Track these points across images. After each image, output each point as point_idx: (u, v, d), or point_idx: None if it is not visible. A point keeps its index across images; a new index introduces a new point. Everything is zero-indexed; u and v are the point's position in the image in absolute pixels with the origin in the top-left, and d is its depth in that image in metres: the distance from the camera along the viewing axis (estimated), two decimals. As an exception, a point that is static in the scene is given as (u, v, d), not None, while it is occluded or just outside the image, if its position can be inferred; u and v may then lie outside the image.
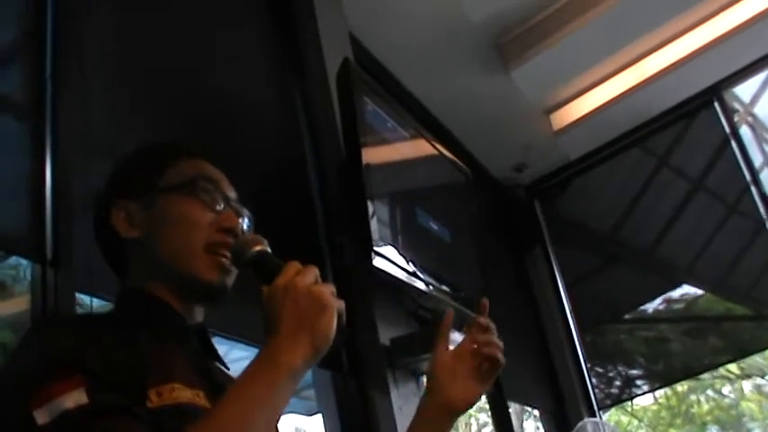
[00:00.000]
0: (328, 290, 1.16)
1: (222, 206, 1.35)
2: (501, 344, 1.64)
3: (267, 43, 3.48)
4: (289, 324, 1.11)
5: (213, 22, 3.09)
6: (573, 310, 5.49)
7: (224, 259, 1.30)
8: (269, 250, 1.27)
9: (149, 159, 1.41)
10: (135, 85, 2.55)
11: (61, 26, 2.20)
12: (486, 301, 1.72)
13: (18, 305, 3.05)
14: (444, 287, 3.20)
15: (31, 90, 2.11)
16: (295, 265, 1.18)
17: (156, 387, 1.10)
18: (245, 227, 1.37)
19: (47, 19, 2.19)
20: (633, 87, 4.87)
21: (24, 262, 3.20)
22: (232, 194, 1.40)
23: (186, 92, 2.79)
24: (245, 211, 1.40)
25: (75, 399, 0.97)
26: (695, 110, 5.20)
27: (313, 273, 1.17)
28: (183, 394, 1.13)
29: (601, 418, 4.94)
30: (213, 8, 3.12)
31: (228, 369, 1.40)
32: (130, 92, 2.53)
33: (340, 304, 1.17)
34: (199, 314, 1.36)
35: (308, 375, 3.21)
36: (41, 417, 0.96)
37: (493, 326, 1.66)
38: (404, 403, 2.98)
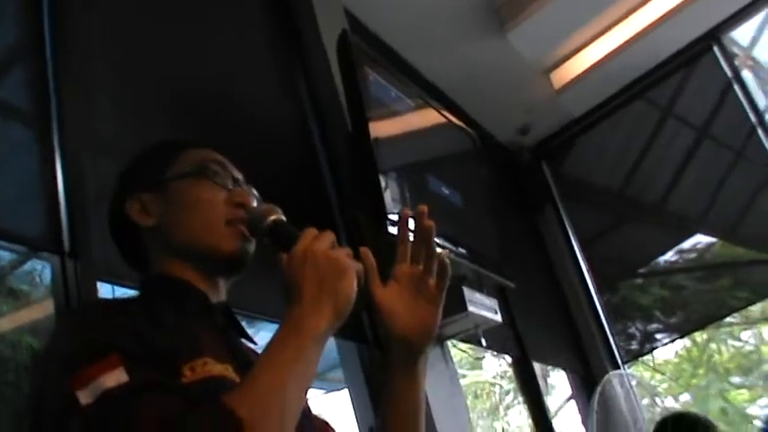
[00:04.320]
0: (346, 253, 1.19)
1: (231, 185, 1.39)
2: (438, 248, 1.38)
3: (262, 24, 3.47)
4: (310, 289, 1.14)
5: (207, 9, 3.09)
6: (589, 268, 5.48)
7: (242, 229, 1.33)
8: (284, 218, 1.30)
9: (158, 153, 1.46)
10: (136, 80, 2.58)
11: (59, 30, 2.23)
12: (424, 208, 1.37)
13: (38, 312, 3.07)
14: (462, 250, 3.20)
15: (35, 95, 2.15)
16: (312, 232, 1.21)
17: (188, 362, 1.11)
18: (254, 204, 1.39)
19: (44, 24, 2.23)
20: (630, 39, 4.84)
21: (39, 266, 3.21)
22: (239, 175, 1.44)
23: (186, 82, 2.80)
24: (253, 190, 1.43)
25: (115, 378, 0.99)
26: (695, 56, 5.18)
27: (330, 238, 1.20)
28: (215, 368, 1.15)
29: (625, 370, 4.95)
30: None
31: (256, 344, 1.41)
32: (133, 86, 2.55)
33: (359, 266, 1.20)
34: (222, 291, 1.39)
35: (334, 355, 3.23)
36: (84, 397, 0.98)
37: (431, 226, 1.35)
38: (430, 369, 2.96)
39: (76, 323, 1.20)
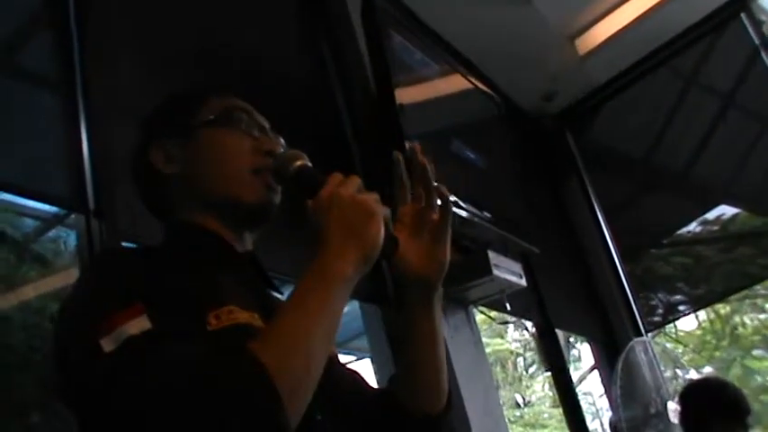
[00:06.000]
0: (373, 198, 1.17)
1: (258, 133, 1.37)
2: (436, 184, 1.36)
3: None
4: (337, 233, 1.12)
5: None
6: (613, 237, 5.44)
7: (269, 180, 1.31)
8: (310, 164, 1.27)
9: (182, 100, 1.43)
10: (160, 44, 2.59)
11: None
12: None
13: (63, 279, 3.09)
14: (486, 214, 3.19)
15: (59, 61, 2.18)
16: (338, 177, 1.19)
17: (214, 310, 1.10)
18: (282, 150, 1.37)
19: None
20: (657, 4, 4.76)
21: (64, 234, 3.24)
22: (266, 124, 1.42)
23: (210, 46, 2.79)
24: (280, 139, 1.41)
25: (138, 325, 0.98)
26: (722, 23, 5.08)
27: (356, 182, 1.18)
28: (241, 315, 1.13)
29: (649, 338, 4.93)
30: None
31: (282, 294, 1.39)
32: (156, 51, 2.56)
33: (386, 211, 1.18)
34: (248, 242, 1.37)
35: (358, 323, 3.23)
36: (107, 345, 0.97)
37: (426, 162, 1.34)
38: (455, 333, 3.00)
39: (99, 272, 1.18)
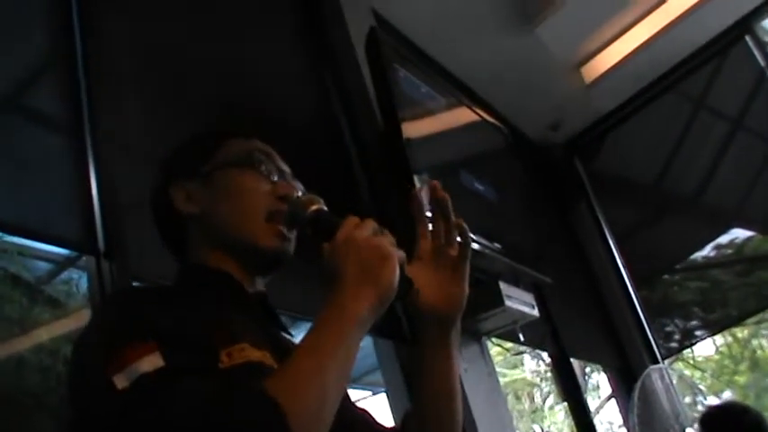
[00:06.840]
0: (388, 240, 1.17)
1: (277, 178, 1.38)
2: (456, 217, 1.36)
3: (289, 25, 3.48)
4: (352, 275, 1.12)
5: (235, 12, 3.10)
6: (625, 264, 5.42)
7: (282, 228, 1.31)
8: (325, 209, 1.28)
9: (203, 141, 1.44)
10: (166, 84, 2.60)
11: (89, 38, 2.27)
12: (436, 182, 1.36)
13: (76, 321, 3.10)
14: (497, 245, 3.18)
15: (67, 102, 2.19)
16: (353, 220, 1.19)
17: (226, 348, 1.10)
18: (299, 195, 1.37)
19: (74, 33, 2.27)
20: (660, 30, 4.78)
21: (76, 275, 3.25)
22: (286, 168, 1.43)
23: (216, 85, 2.81)
24: (299, 184, 1.42)
25: (151, 362, 0.98)
26: (727, 46, 5.10)
27: (372, 225, 1.18)
28: (253, 354, 1.13)
29: (665, 364, 4.89)
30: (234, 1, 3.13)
31: (293, 336, 1.39)
32: (163, 91, 2.57)
33: (401, 254, 1.18)
34: (260, 284, 1.37)
35: (372, 359, 3.22)
36: (120, 382, 0.97)
37: (446, 197, 1.35)
38: (468, 365, 2.98)
39: (112, 310, 1.19)
